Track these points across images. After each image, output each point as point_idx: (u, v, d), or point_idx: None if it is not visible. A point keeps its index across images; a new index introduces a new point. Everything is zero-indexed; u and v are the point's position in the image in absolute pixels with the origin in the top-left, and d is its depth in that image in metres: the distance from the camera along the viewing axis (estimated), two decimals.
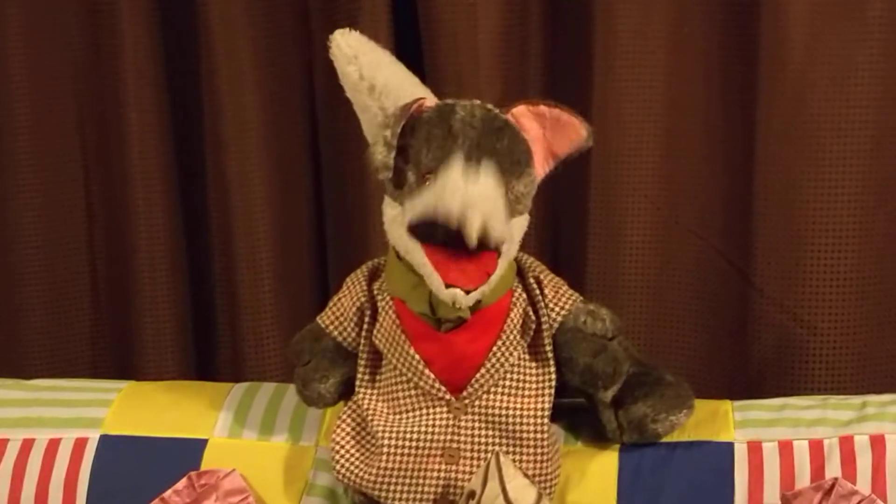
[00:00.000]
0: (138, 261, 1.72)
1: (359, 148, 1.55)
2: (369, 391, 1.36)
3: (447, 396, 1.31)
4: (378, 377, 1.36)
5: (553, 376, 1.33)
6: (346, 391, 1.39)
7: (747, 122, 1.55)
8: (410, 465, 1.31)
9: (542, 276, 1.36)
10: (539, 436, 1.31)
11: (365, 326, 1.36)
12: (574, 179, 1.58)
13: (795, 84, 1.51)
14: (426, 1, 1.57)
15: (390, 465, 1.31)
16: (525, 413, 1.31)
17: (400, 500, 1.31)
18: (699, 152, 1.60)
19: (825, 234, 1.54)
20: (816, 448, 1.33)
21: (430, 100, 1.31)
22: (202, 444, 1.42)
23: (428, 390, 1.32)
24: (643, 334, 1.65)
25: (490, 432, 1.31)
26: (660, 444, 1.36)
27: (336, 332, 1.39)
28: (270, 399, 1.47)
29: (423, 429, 1.31)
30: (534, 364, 1.33)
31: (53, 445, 1.42)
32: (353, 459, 1.34)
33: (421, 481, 1.31)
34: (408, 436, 1.31)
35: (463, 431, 1.31)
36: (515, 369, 1.32)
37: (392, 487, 1.31)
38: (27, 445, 1.42)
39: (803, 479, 1.32)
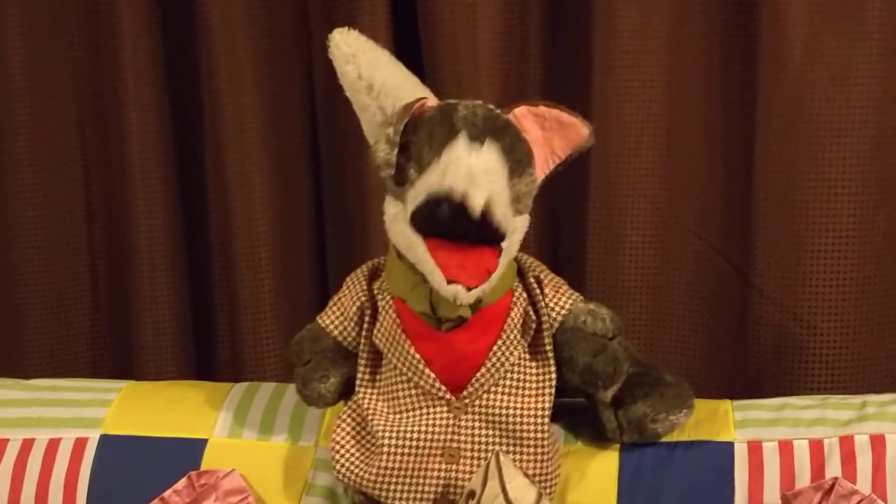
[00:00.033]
0: (138, 261, 1.72)
1: (359, 148, 1.56)
2: (369, 391, 1.36)
3: (447, 396, 1.32)
4: (378, 377, 1.36)
5: (553, 376, 1.33)
6: (346, 391, 1.39)
7: (747, 122, 1.55)
8: (410, 465, 1.31)
9: (542, 276, 1.36)
10: (539, 435, 1.31)
11: (365, 326, 1.36)
12: (574, 179, 1.58)
13: (795, 84, 1.51)
14: (426, 1, 1.57)
15: (390, 464, 1.31)
16: (525, 412, 1.31)
17: (400, 499, 1.31)
18: (699, 152, 1.60)
19: (825, 234, 1.54)
20: (816, 448, 1.33)
21: (431, 100, 1.31)
22: (202, 443, 1.42)
23: (428, 390, 1.32)
24: (643, 334, 1.65)
25: (490, 432, 1.31)
26: (660, 443, 1.36)
27: (336, 332, 1.39)
28: (270, 399, 1.47)
29: (423, 428, 1.31)
30: (534, 363, 1.33)
31: (53, 445, 1.42)
32: (353, 459, 1.34)
33: (421, 481, 1.31)
34: (408, 435, 1.31)
35: (463, 431, 1.31)
36: (516, 369, 1.32)
37: (392, 487, 1.31)
38: (27, 445, 1.42)
39: (803, 479, 1.32)
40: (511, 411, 1.31)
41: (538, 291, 1.34)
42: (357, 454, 1.35)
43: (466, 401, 1.31)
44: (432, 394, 1.32)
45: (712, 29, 1.56)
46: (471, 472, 1.30)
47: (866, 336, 1.57)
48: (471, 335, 1.30)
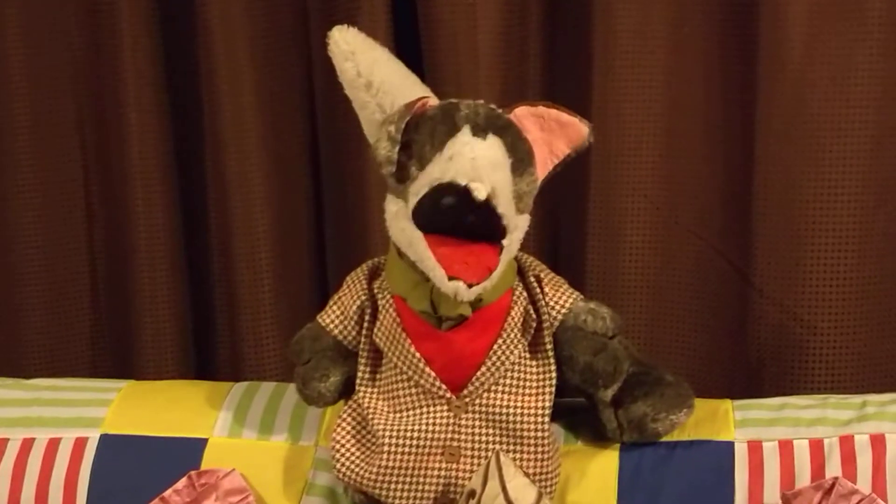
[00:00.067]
0: (138, 261, 1.72)
1: (359, 148, 1.56)
2: (370, 390, 1.36)
3: (448, 395, 1.31)
4: (378, 376, 1.36)
5: (553, 375, 1.33)
6: (347, 390, 1.39)
7: (747, 122, 1.55)
8: (411, 464, 1.31)
9: (542, 275, 1.36)
10: (539, 434, 1.31)
11: (365, 325, 1.36)
12: (574, 179, 1.58)
13: (795, 84, 1.51)
14: (426, 1, 1.57)
15: (391, 463, 1.31)
16: (525, 411, 1.31)
17: (400, 498, 1.31)
18: (699, 152, 1.60)
19: (825, 234, 1.54)
20: (816, 447, 1.34)
21: (432, 99, 1.31)
22: (202, 443, 1.42)
23: (428, 389, 1.32)
24: (643, 334, 1.65)
25: (490, 431, 1.31)
26: (660, 443, 1.36)
27: (336, 331, 1.39)
28: (270, 398, 1.47)
29: (423, 427, 1.31)
30: (534, 362, 1.33)
31: (53, 445, 1.42)
32: (353, 458, 1.34)
33: (421, 480, 1.31)
34: (408, 434, 1.31)
35: (463, 430, 1.31)
36: (516, 368, 1.32)
37: (392, 486, 1.31)
38: (27, 445, 1.42)
39: (803, 479, 1.32)
40: (511, 410, 1.31)
41: (538, 290, 1.34)
42: (357, 453, 1.35)
43: (467, 400, 1.31)
44: (432, 393, 1.32)
45: (712, 29, 1.56)
46: (471, 472, 1.30)
47: (866, 336, 1.57)
48: (471, 334, 1.30)
